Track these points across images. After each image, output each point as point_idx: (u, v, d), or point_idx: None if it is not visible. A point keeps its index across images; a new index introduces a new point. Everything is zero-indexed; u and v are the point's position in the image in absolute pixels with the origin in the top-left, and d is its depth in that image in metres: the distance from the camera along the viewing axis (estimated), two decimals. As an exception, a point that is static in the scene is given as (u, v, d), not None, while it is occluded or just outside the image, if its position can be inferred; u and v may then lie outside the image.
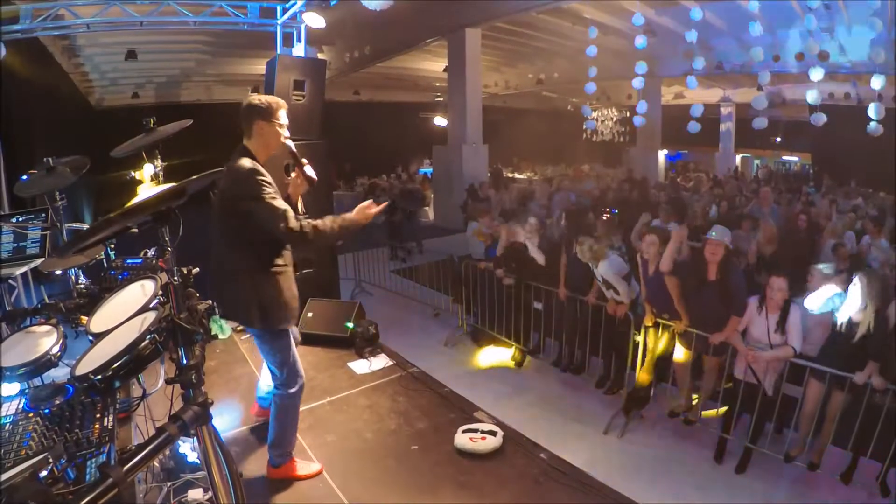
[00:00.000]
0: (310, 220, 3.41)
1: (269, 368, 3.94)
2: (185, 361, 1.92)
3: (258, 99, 3.66)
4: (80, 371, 1.89)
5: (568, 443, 4.86)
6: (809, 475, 4.49)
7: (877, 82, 11.12)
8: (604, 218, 7.44)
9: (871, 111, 10.93)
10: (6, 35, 7.77)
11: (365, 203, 3.57)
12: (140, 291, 2.48)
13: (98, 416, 2.39)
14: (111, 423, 2.33)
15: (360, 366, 6.27)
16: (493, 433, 4.73)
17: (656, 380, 5.57)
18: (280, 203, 3.38)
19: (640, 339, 5.47)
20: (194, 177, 1.96)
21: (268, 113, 3.61)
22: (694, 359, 5.26)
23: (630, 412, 5.29)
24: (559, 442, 4.84)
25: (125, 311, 2.27)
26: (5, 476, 1.60)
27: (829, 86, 16.45)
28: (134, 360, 1.82)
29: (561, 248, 6.47)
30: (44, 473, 1.71)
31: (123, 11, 8.49)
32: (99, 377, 1.78)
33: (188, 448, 3.45)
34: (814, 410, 4.55)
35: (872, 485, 4.27)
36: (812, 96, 11.69)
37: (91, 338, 2.28)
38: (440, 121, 25.45)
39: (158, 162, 3.24)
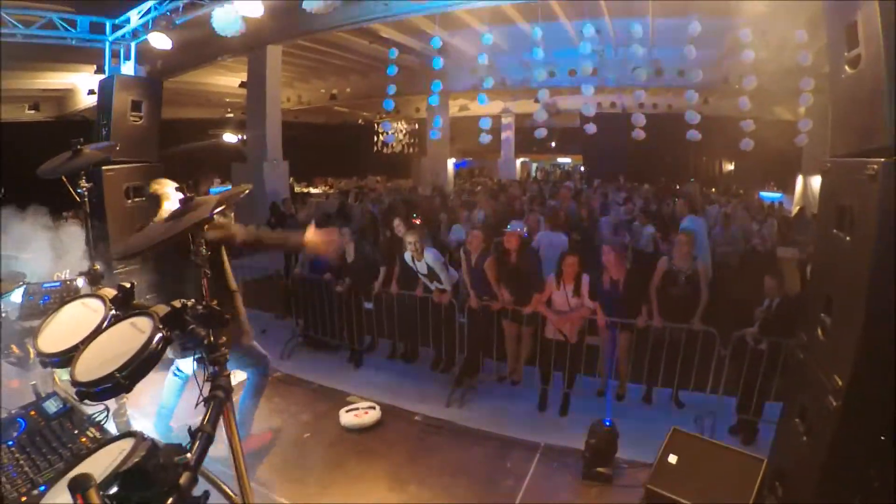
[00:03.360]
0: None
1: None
2: (216, 342, 2.24)
3: None
4: (88, 377, 2.04)
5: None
6: (619, 405, 5.68)
7: (639, 95, 13.50)
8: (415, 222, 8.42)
9: (634, 120, 13.26)
10: None
11: None
12: (85, 309, 2.63)
13: (76, 432, 2.52)
14: (98, 432, 2.50)
15: (224, 380, 6.37)
16: (373, 407, 5.45)
17: (483, 352, 6.48)
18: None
19: (464, 320, 6.35)
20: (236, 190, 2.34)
21: None
22: (516, 329, 6.24)
23: (464, 383, 6.13)
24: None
25: (81, 327, 2.44)
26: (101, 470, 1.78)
27: (598, 97, 19.04)
28: (149, 357, 2.08)
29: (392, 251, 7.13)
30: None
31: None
32: (124, 374, 2.00)
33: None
34: (611, 353, 5.80)
35: (669, 403, 5.67)
36: (586, 109, 13.68)
37: (45, 359, 2.42)
38: (230, 137, 24.83)
39: (84, 183, 3.27)
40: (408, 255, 6.65)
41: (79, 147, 3.15)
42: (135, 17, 7.85)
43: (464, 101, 22.86)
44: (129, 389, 2.07)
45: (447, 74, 15.76)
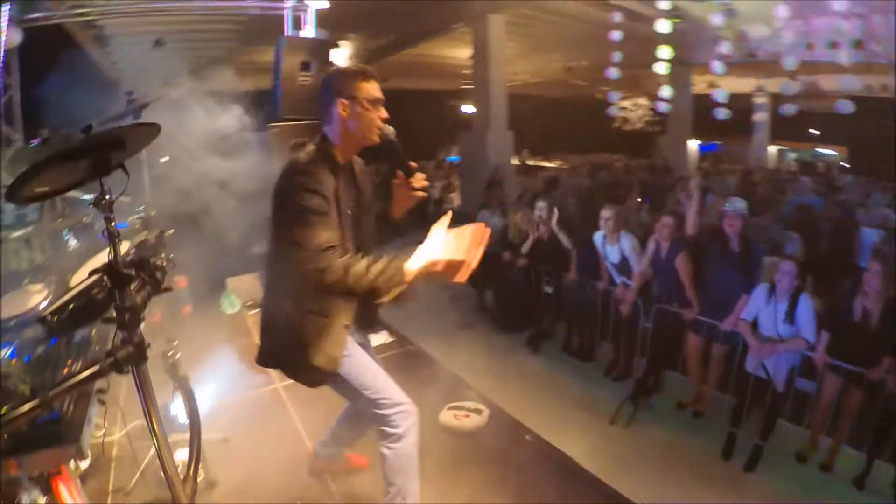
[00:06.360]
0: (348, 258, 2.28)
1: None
2: (121, 304, 1.94)
3: (334, 68, 2.78)
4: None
5: (570, 431, 4.65)
6: (821, 477, 4.27)
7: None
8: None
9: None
10: (27, 22, 7.78)
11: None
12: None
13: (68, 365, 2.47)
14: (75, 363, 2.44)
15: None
16: (479, 411, 4.59)
17: (666, 368, 5.47)
18: (318, 226, 2.27)
19: (649, 325, 5.40)
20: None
21: (345, 85, 2.45)
22: (703, 346, 5.09)
23: (638, 401, 5.10)
24: (560, 430, 4.60)
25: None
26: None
27: (866, 77, 15.94)
28: (87, 304, 2.00)
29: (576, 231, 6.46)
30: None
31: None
32: (56, 318, 1.99)
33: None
34: (829, 407, 4.35)
35: (888, 491, 3.99)
36: (847, 82, 11.30)
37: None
38: (469, 108, 25.40)
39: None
40: (599, 237, 5.88)
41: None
42: (311, -20, 7.91)
43: (712, 77, 20.67)
44: (58, 334, 2.12)
45: (686, 44, 14.57)
